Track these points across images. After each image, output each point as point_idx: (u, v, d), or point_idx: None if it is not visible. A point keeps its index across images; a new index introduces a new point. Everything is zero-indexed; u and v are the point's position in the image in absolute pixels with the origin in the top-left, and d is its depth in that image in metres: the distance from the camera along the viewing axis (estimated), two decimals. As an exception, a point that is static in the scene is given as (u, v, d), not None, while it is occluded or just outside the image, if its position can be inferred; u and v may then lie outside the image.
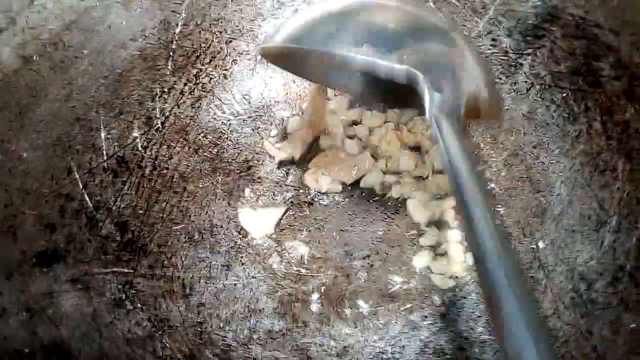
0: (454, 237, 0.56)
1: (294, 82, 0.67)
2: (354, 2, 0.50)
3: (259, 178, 0.63)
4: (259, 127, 0.66)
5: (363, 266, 0.57)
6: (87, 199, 0.57)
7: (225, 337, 0.53)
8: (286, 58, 0.55)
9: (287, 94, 0.67)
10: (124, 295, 0.54)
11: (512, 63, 0.62)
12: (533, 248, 0.54)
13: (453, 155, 0.40)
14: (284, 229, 0.60)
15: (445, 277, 0.55)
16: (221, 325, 0.54)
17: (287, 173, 0.63)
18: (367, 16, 0.49)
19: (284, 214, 0.60)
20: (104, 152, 0.60)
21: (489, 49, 0.63)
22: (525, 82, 0.61)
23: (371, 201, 0.60)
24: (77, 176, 0.58)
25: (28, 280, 0.52)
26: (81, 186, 0.58)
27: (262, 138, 0.65)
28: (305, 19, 0.50)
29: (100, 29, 0.61)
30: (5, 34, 0.57)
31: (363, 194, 0.61)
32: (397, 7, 0.49)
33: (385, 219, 0.59)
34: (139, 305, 0.54)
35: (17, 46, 0.57)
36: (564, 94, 0.59)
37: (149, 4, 0.64)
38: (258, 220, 0.60)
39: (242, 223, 0.60)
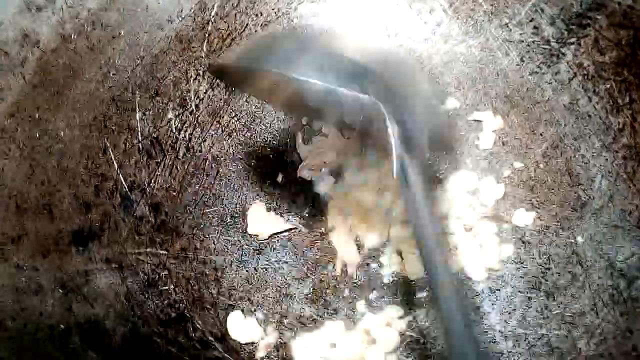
0: (488, 230, 0.55)
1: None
2: (318, 28, 0.48)
3: (291, 162, 0.62)
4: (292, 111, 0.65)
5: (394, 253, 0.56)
6: (122, 179, 0.58)
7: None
8: (239, 77, 0.52)
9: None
10: (156, 276, 0.55)
11: (554, 52, 0.60)
12: (571, 242, 0.53)
13: (419, 213, 0.40)
14: (316, 215, 0.59)
15: (479, 268, 0.54)
16: (252, 309, 0.54)
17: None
18: (331, 43, 0.48)
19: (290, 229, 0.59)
20: (139, 133, 0.60)
21: (530, 37, 0.61)
22: (568, 72, 0.59)
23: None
24: (112, 156, 0.58)
25: (64, 258, 0.52)
26: (116, 166, 0.58)
27: (296, 123, 0.64)
28: (265, 39, 0.48)
29: (138, 10, 0.61)
30: (44, 12, 0.57)
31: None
32: (360, 38, 0.47)
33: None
34: (171, 286, 0.54)
35: (56, 25, 0.58)
36: (608, 85, 0.57)
37: (186, -16, 0.63)
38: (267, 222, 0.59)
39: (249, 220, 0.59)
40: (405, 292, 0.55)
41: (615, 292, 0.50)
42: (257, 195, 0.60)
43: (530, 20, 0.61)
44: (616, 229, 0.52)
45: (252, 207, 0.59)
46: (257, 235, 0.58)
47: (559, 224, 0.54)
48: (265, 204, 0.59)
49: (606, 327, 0.48)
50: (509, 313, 0.52)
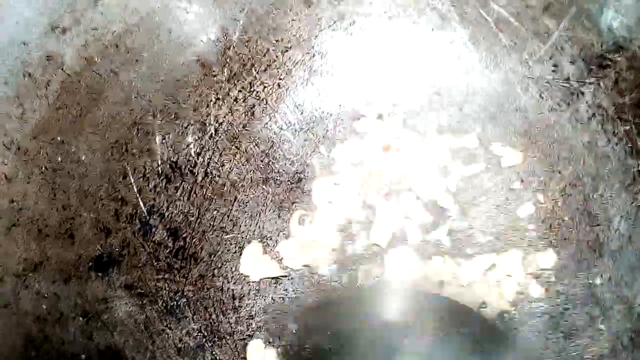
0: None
1: (347, 94, 0.67)
2: None
3: (309, 190, 0.62)
4: (310, 139, 0.65)
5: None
6: (142, 203, 0.58)
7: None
8: None
9: (340, 106, 0.67)
10: (175, 303, 0.55)
11: (574, 91, 0.61)
12: (590, 283, 0.54)
13: None
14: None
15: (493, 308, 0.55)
16: (270, 340, 0.54)
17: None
18: None
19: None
20: (159, 156, 0.60)
21: (550, 75, 0.62)
22: (587, 111, 0.60)
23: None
24: (132, 180, 0.58)
25: (84, 285, 0.52)
26: (136, 190, 0.58)
27: (314, 150, 0.64)
28: None
29: (160, 34, 0.61)
30: (69, 34, 0.57)
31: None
32: None
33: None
34: (189, 314, 0.54)
35: (80, 47, 0.58)
36: (627, 127, 0.58)
37: (210, 9, 0.63)
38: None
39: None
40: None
41: (635, 335, 0.50)
42: (275, 222, 0.60)
43: (551, 58, 0.62)
44: (634, 271, 0.53)
45: (249, 247, 0.59)
46: (248, 276, 0.57)
47: (576, 263, 0.55)
48: (263, 245, 0.59)
49: (626, 371, 0.49)
50: (526, 353, 0.53)
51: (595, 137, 0.59)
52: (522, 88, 0.63)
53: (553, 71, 0.62)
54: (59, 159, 0.55)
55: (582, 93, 0.60)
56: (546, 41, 0.62)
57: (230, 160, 0.63)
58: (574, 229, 0.57)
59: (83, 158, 0.56)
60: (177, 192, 0.60)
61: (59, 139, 0.56)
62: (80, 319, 0.50)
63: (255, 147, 0.64)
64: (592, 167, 0.58)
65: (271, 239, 0.60)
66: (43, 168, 0.54)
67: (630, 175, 0.57)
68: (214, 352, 0.53)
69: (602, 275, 0.54)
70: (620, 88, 0.59)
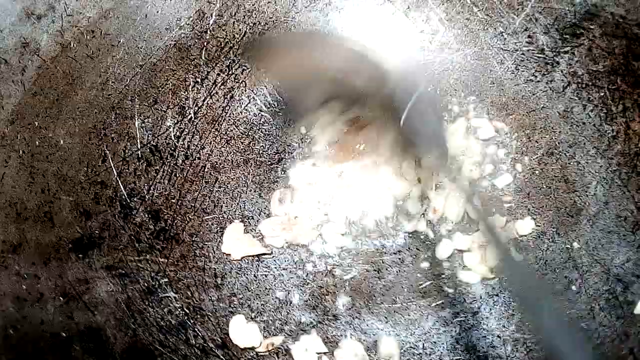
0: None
1: (326, 75, 0.67)
2: None
3: (289, 170, 0.63)
4: (290, 120, 0.65)
5: (394, 261, 0.57)
6: (122, 186, 0.58)
7: (256, 327, 0.54)
8: None
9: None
10: (157, 283, 0.55)
11: (549, 61, 0.61)
12: (567, 248, 0.54)
13: None
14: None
15: (475, 273, 0.55)
16: (253, 316, 0.54)
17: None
18: None
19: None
20: (138, 140, 0.60)
21: (525, 46, 0.62)
22: (562, 80, 0.60)
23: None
24: (111, 164, 0.58)
25: (64, 266, 0.52)
26: (116, 174, 0.58)
27: (294, 131, 0.64)
28: None
29: (137, 18, 0.62)
30: (44, 20, 0.58)
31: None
32: None
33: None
34: (171, 293, 0.54)
35: (56, 33, 0.58)
36: (602, 94, 0.58)
37: (185, -7, 0.64)
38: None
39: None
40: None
41: (612, 297, 0.50)
42: (255, 202, 0.60)
43: (525, 30, 0.62)
44: (611, 235, 0.53)
45: (230, 226, 0.59)
46: (229, 255, 0.58)
47: (555, 229, 0.55)
48: (244, 225, 0.59)
49: (603, 331, 0.49)
50: (507, 318, 0.53)
51: (570, 105, 0.60)
52: (498, 61, 0.63)
53: (528, 42, 0.63)
54: (37, 143, 0.55)
55: (557, 62, 0.61)
56: (520, 13, 0.63)
57: (211, 143, 0.63)
58: (551, 196, 0.57)
59: (61, 142, 0.57)
60: (157, 175, 0.60)
61: (36, 124, 0.56)
62: (60, 299, 0.50)
63: (235, 128, 0.64)
64: (569, 135, 0.59)
65: (252, 218, 0.60)
66: (21, 152, 0.54)
67: (605, 141, 0.57)
68: (196, 329, 0.53)
69: (579, 240, 0.54)
70: (594, 55, 0.59)
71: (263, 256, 0.58)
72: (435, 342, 0.52)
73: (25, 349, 0.47)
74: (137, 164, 0.59)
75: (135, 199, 0.58)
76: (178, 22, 0.64)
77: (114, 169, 0.58)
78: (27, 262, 0.51)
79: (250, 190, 0.61)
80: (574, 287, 0.52)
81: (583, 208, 0.56)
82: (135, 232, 0.57)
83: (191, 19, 0.64)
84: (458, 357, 0.52)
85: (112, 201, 0.57)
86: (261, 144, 0.64)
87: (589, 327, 0.49)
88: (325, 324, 0.54)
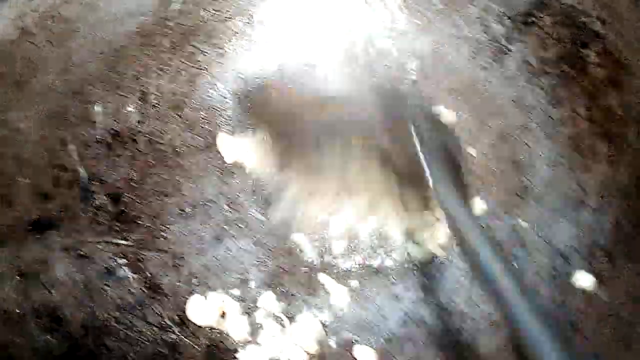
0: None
1: (289, 63, 0.68)
2: None
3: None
4: (252, 107, 0.66)
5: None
6: (81, 170, 0.58)
7: (214, 306, 0.55)
8: None
9: (281, 74, 0.68)
10: (115, 264, 0.55)
11: (502, 49, 0.63)
12: (514, 225, 0.56)
13: None
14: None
15: (424, 249, 0.56)
16: (210, 294, 0.55)
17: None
18: None
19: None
20: (99, 125, 0.61)
21: (479, 34, 0.64)
22: (515, 67, 0.62)
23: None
24: (72, 147, 0.59)
25: (22, 247, 0.53)
26: (76, 158, 0.58)
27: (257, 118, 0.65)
28: None
29: (99, 3, 0.62)
30: (4, 4, 0.58)
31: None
32: None
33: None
34: (130, 274, 0.55)
35: (15, 17, 0.58)
36: (551, 80, 0.60)
37: (149, -22, 0.64)
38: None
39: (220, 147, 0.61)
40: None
41: (554, 272, 0.52)
42: (216, 184, 0.61)
43: (479, 18, 0.64)
44: (556, 213, 0.55)
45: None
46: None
47: (503, 209, 0.57)
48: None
49: (546, 304, 0.51)
50: (454, 292, 0.55)
51: (522, 91, 0.62)
52: (455, 49, 0.65)
53: (483, 31, 0.64)
54: (-4, 126, 0.56)
55: (510, 50, 0.63)
56: (476, 2, 0.65)
57: (173, 129, 0.63)
58: (501, 177, 0.59)
59: (21, 126, 0.57)
60: (118, 159, 0.60)
61: (-5, 107, 0.56)
62: (17, 278, 0.51)
63: (198, 114, 0.65)
64: (519, 120, 0.61)
65: (215, 202, 0.60)
66: (-22, 135, 0.54)
67: (553, 124, 0.59)
68: (154, 308, 0.54)
69: (526, 218, 0.56)
70: (544, 43, 0.61)
71: (223, 238, 0.59)
72: (385, 317, 0.54)
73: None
74: (98, 148, 0.60)
75: (95, 182, 0.58)
76: (141, 8, 0.64)
77: (74, 153, 0.59)
78: (-17, 242, 0.51)
79: (212, 175, 0.62)
80: (520, 264, 0.54)
81: (530, 188, 0.58)
82: (95, 214, 0.57)
83: (154, 5, 0.65)
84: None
85: (71, 184, 0.57)
86: (224, 130, 0.64)
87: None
88: (282, 302, 0.55)
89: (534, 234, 0.55)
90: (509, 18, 0.63)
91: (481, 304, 0.53)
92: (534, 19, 0.62)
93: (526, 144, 0.59)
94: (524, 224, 0.56)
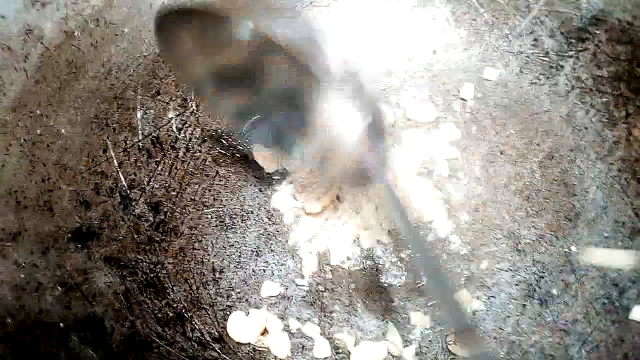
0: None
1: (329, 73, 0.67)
2: None
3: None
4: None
5: (393, 260, 0.57)
6: (122, 177, 0.58)
7: (254, 322, 0.54)
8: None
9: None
10: (155, 275, 0.55)
11: (553, 64, 0.61)
12: (565, 251, 0.54)
13: None
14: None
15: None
16: (250, 311, 0.54)
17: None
18: None
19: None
20: (140, 131, 0.60)
21: (530, 49, 0.62)
22: (566, 84, 0.60)
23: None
24: (112, 154, 0.58)
25: (63, 256, 0.52)
26: (116, 164, 0.58)
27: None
28: None
29: (142, 7, 0.61)
30: (49, 7, 0.57)
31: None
32: None
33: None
34: (169, 286, 0.54)
35: (60, 21, 0.57)
36: (605, 99, 0.58)
37: (191, -16, 0.63)
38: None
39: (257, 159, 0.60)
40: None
41: (607, 301, 0.51)
42: (256, 197, 0.60)
43: (531, 32, 0.62)
44: (609, 240, 0.53)
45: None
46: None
47: (553, 233, 0.56)
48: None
49: (598, 335, 0.49)
50: (504, 320, 0.53)
51: (573, 109, 0.60)
52: (503, 63, 0.63)
53: (533, 45, 0.63)
54: (38, 131, 0.55)
55: (561, 66, 0.61)
56: (526, 15, 0.63)
57: (212, 136, 0.63)
58: (550, 199, 0.57)
59: (63, 131, 0.56)
60: (158, 166, 0.60)
61: (38, 112, 0.55)
62: (59, 288, 0.50)
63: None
64: (570, 139, 0.59)
65: (252, 212, 0.60)
66: (22, 140, 0.54)
67: (606, 146, 0.57)
68: (193, 322, 0.53)
69: (577, 244, 0.55)
70: (599, 61, 0.59)
71: (262, 251, 0.58)
72: (431, 341, 0.53)
73: (22, 338, 0.47)
74: (138, 155, 0.59)
75: (135, 190, 0.58)
76: (183, 13, 0.63)
77: (114, 160, 0.58)
78: (26, 251, 0.50)
79: (251, 185, 0.61)
80: (570, 291, 0.52)
81: (581, 212, 0.56)
82: (135, 223, 0.57)
83: (196, 10, 0.64)
84: (452, 358, 0.52)
85: (112, 192, 0.57)
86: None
87: (585, 331, 0.50)
88: (322, 320, 0.54)
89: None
90: (562, 33, 0.61)
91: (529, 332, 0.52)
92: (588, 35, 0.60)
93: (577, 165, 0.57)
94: (575, 250, 0.54)
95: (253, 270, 0.57)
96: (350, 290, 0.55)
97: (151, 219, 0.57)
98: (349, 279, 0.56)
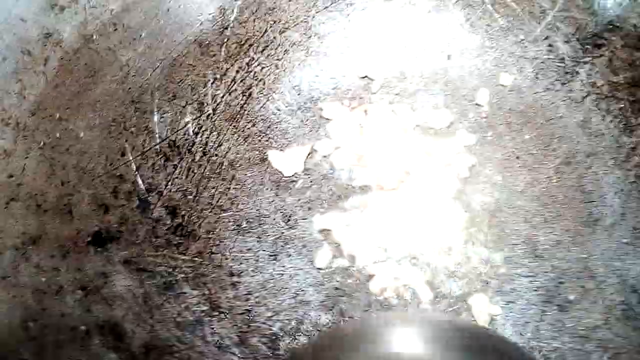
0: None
1: (344, 76, 0.67)
2: None
3: (306, 170, 0.63)
4: (307, 119, 0.65)
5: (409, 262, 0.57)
6: (140, 181, 0.58)
7: (272, 326, 0.54)
8: None
9: (336, 87, 0.67)
10: (173, 279, 0.55)
11: (568, 70, 0.62)
12: (584, 258, 0.54)
13: None
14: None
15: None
16: (269, 315, 0.54)
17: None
18: None
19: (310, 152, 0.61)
20: (157, 135, 0.60)
21: (545, 55, 0.63)
22: (581, 90, 0.61)
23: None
24: (130, 158, 0.58)
25: (83, 260, 0.52)
26: (134, 168, 0.58)
27: (311, 130, 0.65)
28: None
29: (159, 12, 0.62)
30: (67, 11, 0.57)
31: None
32: None
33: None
34: (188, 289, 0.55)
35: (79, 25, 0.58)
36: (621, 105, 0.59)
37: (207, -11, 0.64)
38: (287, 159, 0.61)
39: (273, 164, 0.61)
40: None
41: (627, 308, 0.51)
42: (272, 201, 0.60)
43: (546, 38, 0.63)
44: (628, 246, 0.54)
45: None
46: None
47: (571, 238, 0.56)
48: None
49: (619, 342, 0.50)
50: (523, 325, 0.53)
51: (589, 115, 0.60)
52: (518, 68, 0.64)
53: (548, 51, 0.63)
54: (58, 135, 0.55)
55: (577, 72, 0.61)
56: (541, 21, 0.63)
57: (228, 140, 0.63)
58: (567, 205, 0.57)
59: (81, 135, 0.57)
60: (175, 170, 0.60)
61: (57, 115, 0.56)
62: (79, 292, 0.50)
63: (253, 126, 0.64)
64: (586, 145, 0.59)
65: (268, 217, 0.60)
66: (42, 144, 0.54)
67: (623, 152, 0.57)
68: (212, 326, 0.53)
69: (595, 250, 0.55)
70: (615, 66, 0.60)
71: (279, 254, 0.58)
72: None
73: (44, 341, 0.47)
74: (156, 158, 0.59)
75: (153, 194, 0.58)
76: (199, 17, 0.64)
77: (132, 163, 0.58)
78: (47, 254, 0.51)
79: (267, 189, 0.61)
80: (590, 297, 0.53)
81: (600, 218, 0.56)
82: (153, 227, 0.57)
83: (212, 15, 0.64)
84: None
85: (130, 195, 0.57)
86: (278, 143, 0.64)
87: (605, 337, 0.50)
88: (341, 324, 0.54)
89: (604, 267, 0.53)
90: (577, 39, 0.61)
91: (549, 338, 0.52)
92: (604, 40, 0.60)
93: (594, 171, 0.58)
94: (593, 256, 0.55)
95: (271, 275, 0.57)
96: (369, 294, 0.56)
97: (169, 222, 0.57)
98: (367, 284, 0.56)
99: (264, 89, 0.66)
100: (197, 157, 0.61)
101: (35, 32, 0.55)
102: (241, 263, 0.57)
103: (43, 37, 0.56)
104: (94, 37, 0.58)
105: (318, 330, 0.54)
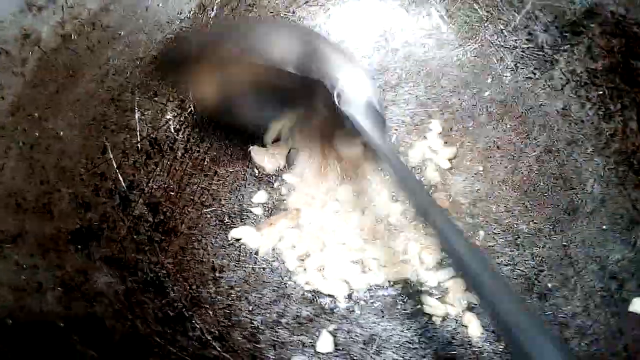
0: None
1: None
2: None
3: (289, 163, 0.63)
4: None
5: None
6: (121, 179, 0.58)
7: (253, 320, 0.54)
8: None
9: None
10: (155, 275, 0.55)
11: (548, 59, 0.62)
12: (564, 245, 0.54)
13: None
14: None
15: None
16: (250, 309, 0.55)
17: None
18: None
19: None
20: (138, 133, 0.60)
21: (525, 44, 0.63)
22: (561, 78, 0.61)
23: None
24: (111, 156, 0.58)
25: (63, 257, 0.52)
26: (115, 166, 0.58)
27: (294, 125, 0.64)
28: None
29: (138, 11, 0.62)
30: (45, 12, 0.58)
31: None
32: None
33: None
34: (169, 285, 0.55)
35: (56, 25, 0.58)
36: (600, 92, 0.59)
37: (187, -14, 0.64)
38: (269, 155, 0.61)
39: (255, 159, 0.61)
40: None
41: (606, 294, 0.51)
42: (254, 195, 0.60)
43: (525, 27, 0.63)
44: (607, 232, 0.54)
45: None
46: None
47: (551, 227, 0.56)
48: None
49: (597, 328, 0.49)
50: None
51: (569, 103, 0.60)
52: (498, 58, 0.64)
53: (528, 40, 0.63)
54: (37, 134, 0.55)
55: (556, 60, 0.61)
56: (520, 10, 0.63)
57: (210, 136, 0.63)
58: (548, 193, 0.57)
59: (61, 134, 0.57)
60: (156, 167, 0.60)
61: (36, 115, 0.56)
62: (59, 289, 0.50)
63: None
64: (567, 133, 0.59)
65: (251, 212, 0.60)
66: (21, 144, 0.54)
67: (603, 139, 0.57)
68: (194, 321, 0.53)
69: (575, 237, 0.55)
70: (593, 54, 0.59)
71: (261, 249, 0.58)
72: (431, 337, 0.53)
73: (23, 338, 0.47)
74: (137, 156, 0.60)
75: (134, 192, 0.58)
76: (179, 15, 0.64)
77: (113, 161, 0.58)
78: (26, 252, 0.51)
79: (249, 184, 0.61)
80: (569, 285, 0.52)
81: (580, 206, 0.56)
82: (134, 224, 0.57)
83: (192, 12, 0.64)
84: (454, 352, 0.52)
85: (111, 193, 0.57)
86: (261, 138, 0.64)
87: (584, 324, 0.50)
88: (322, 317, 0.54)
89: (584, 254, 0.53)
90: (556, 27, 0.61)
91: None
92: (582, 28, 0.60)
93: (574, 159, 0.57)
94: (573, 244, 0.54)
95: (253, 269, 0.57)
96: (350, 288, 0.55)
97: (151, 219, 0.58)
98: (348, 277, 0.56)
99: (245, 85, 0.65)
100: (179, 154, 0.61)
101: (12, 32, 0.55)
102: (223, 258, 0.57)
103: (21, 37, 0.56)
104: (73, 36, 0.58)
105: (299, 324, 0.54)
